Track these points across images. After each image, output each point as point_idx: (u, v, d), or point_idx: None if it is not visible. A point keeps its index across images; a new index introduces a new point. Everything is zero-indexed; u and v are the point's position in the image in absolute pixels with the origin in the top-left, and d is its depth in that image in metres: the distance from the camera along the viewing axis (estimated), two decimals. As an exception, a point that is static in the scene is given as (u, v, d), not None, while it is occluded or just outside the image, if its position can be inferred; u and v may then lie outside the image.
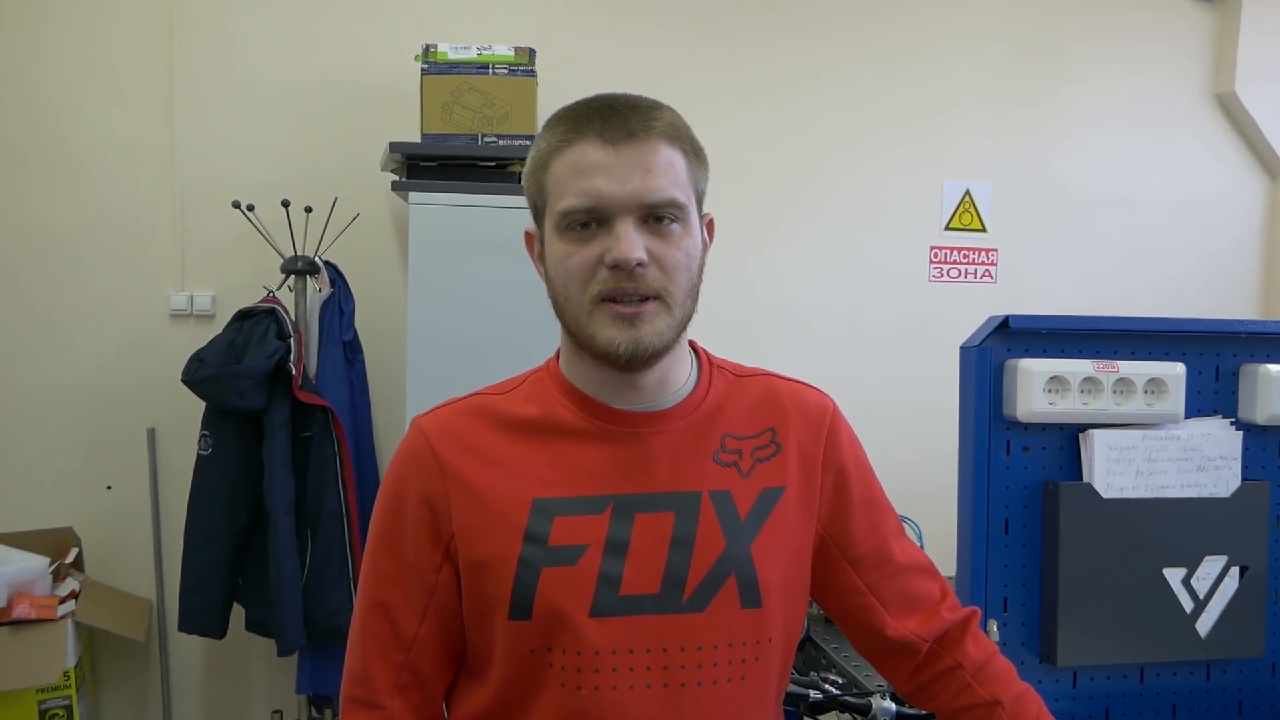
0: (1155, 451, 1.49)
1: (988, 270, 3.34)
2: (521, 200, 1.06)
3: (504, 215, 2.53)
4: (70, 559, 2.76)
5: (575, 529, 1.00)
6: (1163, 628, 1.48)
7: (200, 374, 2.52)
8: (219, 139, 2.93)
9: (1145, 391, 1.48)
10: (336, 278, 2.77)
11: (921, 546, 1.87)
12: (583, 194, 0.96)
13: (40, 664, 2.46)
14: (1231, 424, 1.54)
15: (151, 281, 2.93)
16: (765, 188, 3.20)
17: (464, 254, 2.56)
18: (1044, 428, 1.48)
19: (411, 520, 1.03)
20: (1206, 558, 1.50)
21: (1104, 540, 1.47)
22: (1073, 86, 3.35)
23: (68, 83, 2.88)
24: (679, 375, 1.07)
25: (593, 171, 0.96)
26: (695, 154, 1.02)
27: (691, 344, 1.11)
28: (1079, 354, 1.49)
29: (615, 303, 0.97)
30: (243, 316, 2.64)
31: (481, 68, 2.67)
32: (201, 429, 2.63)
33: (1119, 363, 1.48)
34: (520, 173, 1.05)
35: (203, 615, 2.62)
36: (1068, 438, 1.49)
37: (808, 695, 1.60)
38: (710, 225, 1.08)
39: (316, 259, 2.73)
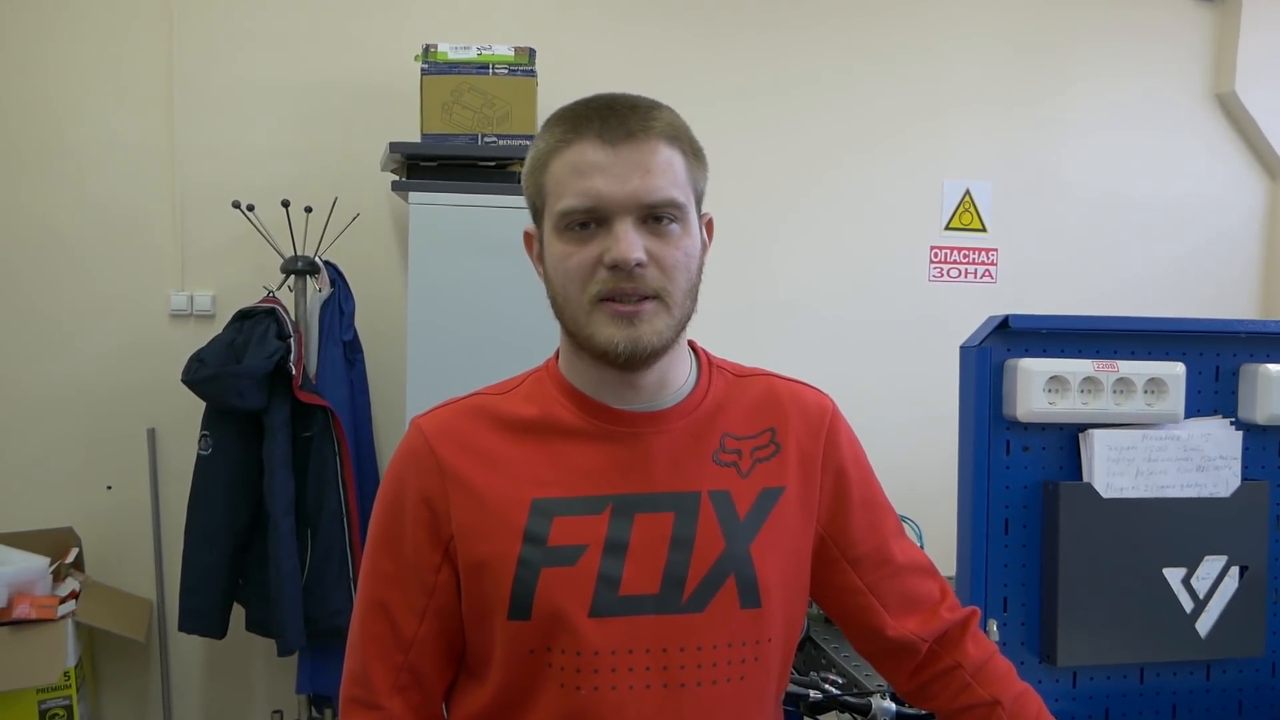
0: (1155, 451, 1.49)
1: (988, 270, 3.34)
2: (521, 200, 1.06)
3: (504, 215, 2.53)
4: (70, 559, 2.77)
5: (574, 529, 1.00)
6: (1163, 628, 1.48)
7: (200, 374, 2.52)
8: (219, 139, 2.93)
9: (1145, 391, 1.48)
10: (336, 278, 2.77)
11: (921, 546, 1.87)
12: (582, 194, 0.96)
13: (40, 664, 2.46)
14: (1231, 424, 1.54)
15: (151, 281, 2.93)
16: (765, 188, 3.20)
17: (464, 254, 2.56)
18: (1044, 428, 1.48)
19: (411, 520, 1.03)
20: (1206, 558, 1.49)
21: (1104, 540, 1.47)
22: (1073, 86, 3.35)
23: (68, 83, 2.88)
24: (678, 375, 1.07)
25: (592, 172, 0.96)
26: (694, 154, 1.02)
27: (691, 344, 1.11)
28: (1079, 354, 1.49)
29: (614, 302, 0.97)
30: (243, 316, 2.64)
31: (481, 68, 2.67)
32: (201, 429, 2.63)
33: (1119, 362, 1.48)
34: (520, 173, 1.05)
35: (203, 615, 2.62)
36: (1068, 438, 1.49)
37: (808, 695, 1.60)
38: (710, 225, 1.08)
39: (316, 259, 2.73)
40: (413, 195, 2.59)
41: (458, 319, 2.56)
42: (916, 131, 3.27)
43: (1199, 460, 1.50)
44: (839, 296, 3.25)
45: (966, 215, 3.32)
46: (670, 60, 3.12)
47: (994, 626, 1.47)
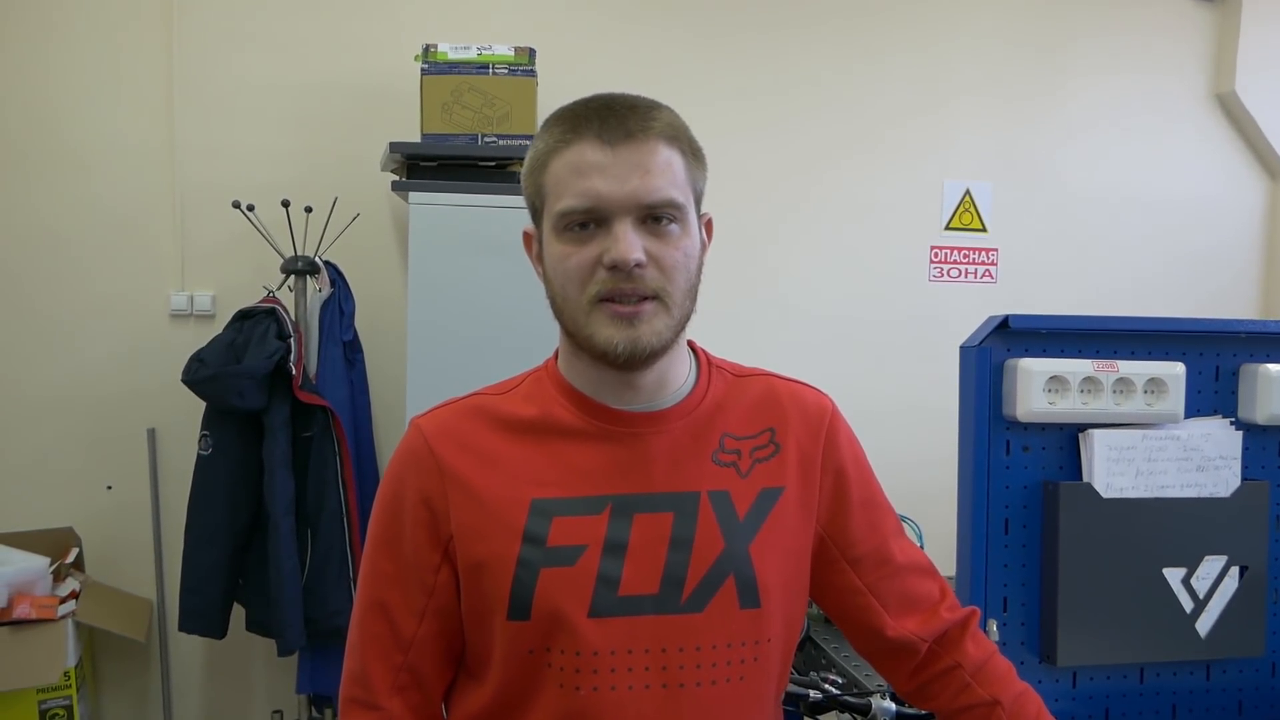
0: (1155, 451, 1.49)
1: (988, 270, 3.34)
2: (521, 200, 1.06)
3: (504, 215, 2.53)
4: (70, 559, 2.77)
5: (574, 529, 1.00)
6: (1163, 628, 1.48)
7: (200, 374, 2.52)
8: (219, 139, 2.93)
9: (1145, 391, 1.48)
10: (336, 278, 2.77)
11: (921, 546, 1.87)
12: (581, 195, 0.96)
13: (41, 664, 2.46)
14: (1231, 424, 1.53)
15: (151, 281, 2.93)
16: (765, 188, 3.20)
17: (464, 254, 2.56)
18: (1044, 428, 1.48)
19: (410, 520, 1.03)
20: (1206, 558, 1.49)
21: (1104, 540, 1.47)
22: (1073, 86, 3.35)
23: (68, 83, 2.88)
24: (677, 375, 1.07)
25: (591, 172, 0.96)
26: (693, 154, 1.02)
27: (690, 344, 1.11)
28: (1079, 354, 1.49)
29: (614, 302, 0.97)
30: (243, 316, 2.64)
31: (481, 68, 2.67)
32: (202, 429, 2.63)
33: (1119, 362, 1.48)
34: (520, 173, 1.05)
35: (203, 615, 2.62)
36: (1067, 438, 1.49)
37: (808, 695, 1.60)
38: (709, 225, 1.07)
39: (316, 259, 2.74)
40: (413, 195, 2.59)
41: (458, 319, 2.56)
42: (916, 131, 3.27)
43: (1199, 460, 1.50)
44: (839, 296, 3.25)
45: (966, 215, 3.32)
46: (670, 60, 3.12)
47: (994, 626, 1.47)
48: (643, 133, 0.97)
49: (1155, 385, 1.48)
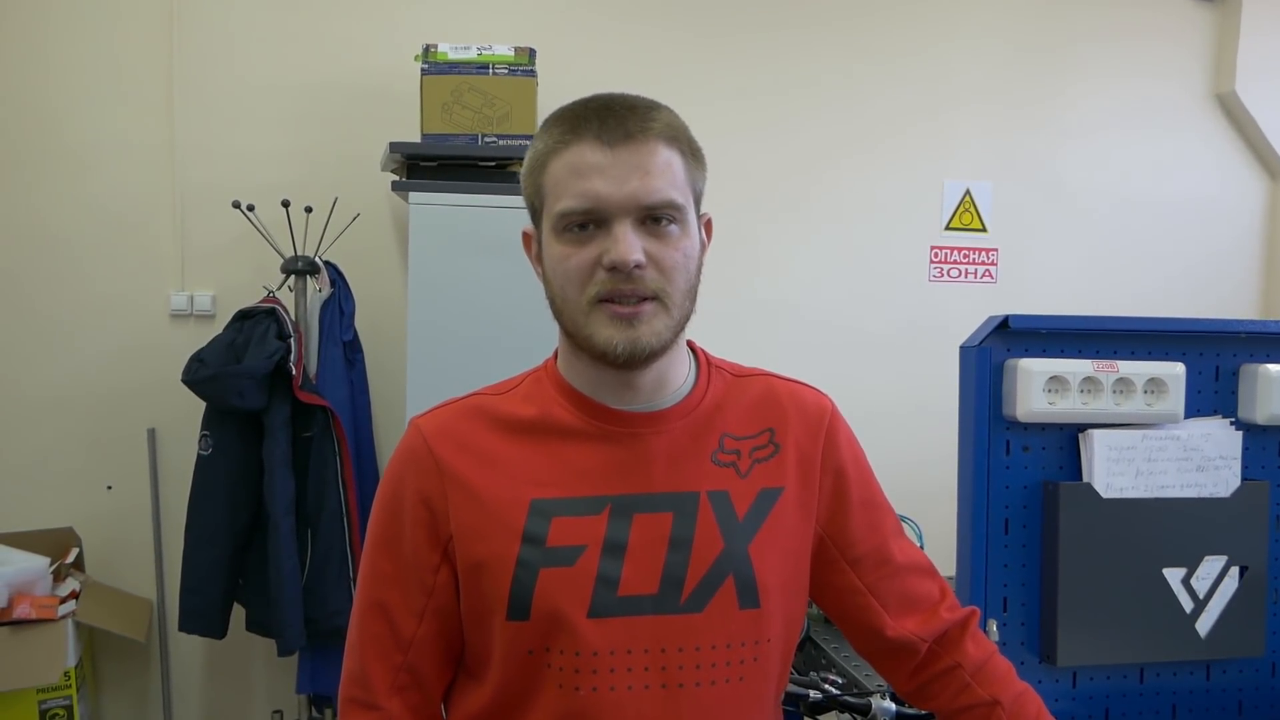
0: (1155, 451, 1.49)
1: (988, 270, 3.34)
2: (521, 200, 1.06)
3: (504, 215, 2.53)
4: (71, 559, 2.77)
5: (573, 530, 1.00)
6: (1163, 628, 1.48)
7: (200, 374, 2.52)
8: (219, 139, 2.93)
9: (1145, 391, 1.48)
10: (336, 278, 2.77)
11: (921, 546, 1.87)
12: (580, 196, 0.96)
13: (41, 664, 2.46)
14: (1231, 424, 1.53)
15: (151, 281, 2.93)
16: (765, 188, 3.20)
17: (464, 254, 2.56)
18: (1044, 428, 1.48)
19: (409, 520, 1.03)
20: (1206, 558, 1.49)
21: (1104, 540, 1.46)
22: (1073, 86, 3.35)
23: (68, 82, 2.88)
24: (677, 375, 1.07)
25: (590, 173, 0.96)
26: (693, 154, 1.02)
27: (690, 344, 1.11)
28: (1079, 354, 1.49)
29: (613, 303, 0.96)
30: (243, 316, 2.64)
31: (481, 68, 2.67)
32: (202, 429, 2.63)
33: (1119, 363, 1.48)
34: (520, 173, 1.05)
35: (203, 615, 2.62)
36: (1067, 438, 1.49)
37: (808, 695, 1.60)
38: (709, 225, 1.07)
39: (317, 259, 2.74)
40: (413, 195, 2.59)
41: (458, 319, 2.56)
42: (916, 132, 3.27)
43: (1199, 460, 1.50)
44: (839, 296, 3.25)
45: (967, 215, 3.32)
46: (670, 60, 3.12)
47: (994, 626, 1.47)
48: (642, 133, 0.97)
49: (1155, 385, 1.48)
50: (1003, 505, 1.48)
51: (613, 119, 0.97)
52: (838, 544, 1.11)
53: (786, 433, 1.08)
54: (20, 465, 2.89)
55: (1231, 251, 3.49)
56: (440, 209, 2.58)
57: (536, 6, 3.07)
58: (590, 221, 0.97)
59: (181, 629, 2.63)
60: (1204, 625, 1.49)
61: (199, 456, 2.63)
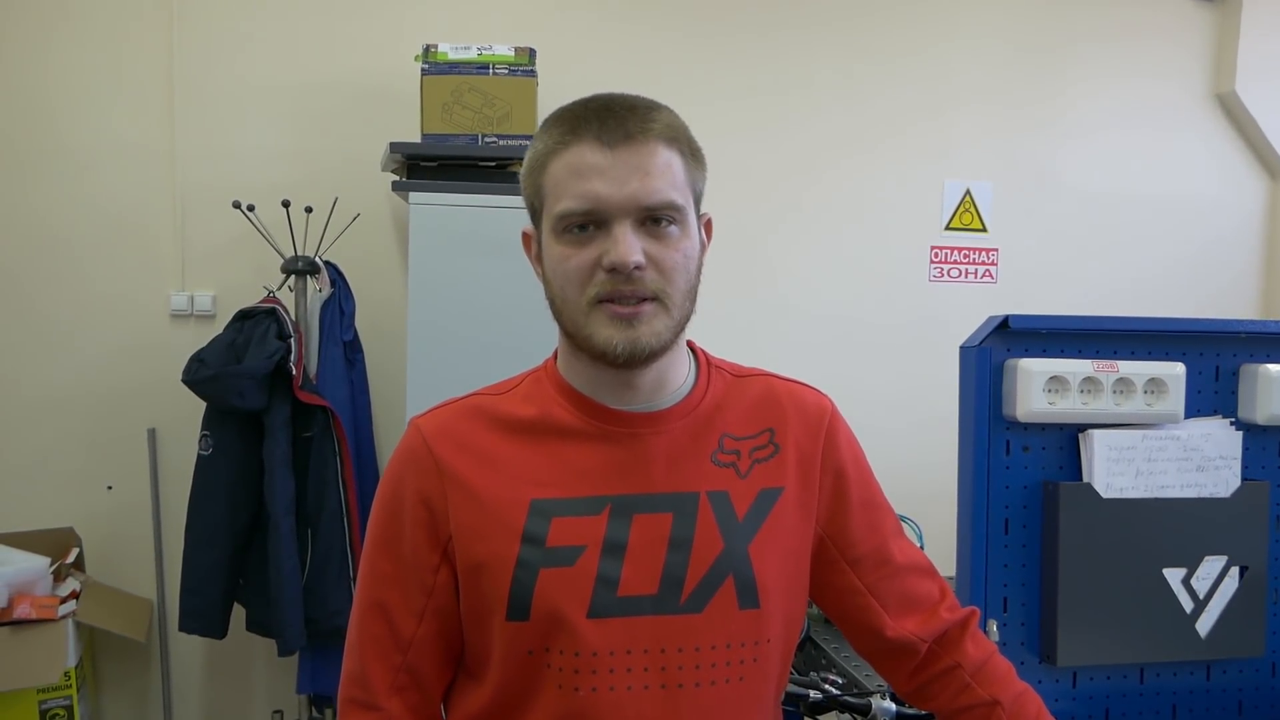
0: (1155, 451, 1.49)
1: (988, 270, 3.34)
2: (521, 200, 1.06)
3: (504, 215, 2.53)
4: (71, 559, 2.77)
5: (573, 530, 1.00)
6: (1163, 628, 1.48)
7: (201, 374, 2.52)
8: (219, 139, 2.93)
9: (1145, 391, 1.48)
10: (337, 278, 2.77)
11: (921, 547, 1.88)
12: (580, 197, 0.96)
13: (41, 664, 2.46)
14: (1231, 424, 1.53)
15: (151, 281, 2.93)
16: (765, 188, 3.20)
17: (464, 254, 2.56)
18: (1044, 428, 1.48)
19: (409, 521, 1.03)
20: (1206, 558, 1.49)
21: (1104, 540, 1.46)
22: (1073, 86, 3.35)
23: (68, 83, 2.88)
24: (677, 375, 1.07)
25: (590, 174, 0.96)
26: (693, 155, 1.02)
27: (690, 344, 1.11)
28: (1079, 354, 1.49)
29: (613, 303, 0.96)
30: (243, 316, 2.64)
31: (482, 68, 2.67)
32: (202, 429, 2.63)
33: (1119, 363, 1.48)
34: (520, 173, 1.05)
35: (203, 615, 2.62)
36: (1067, 438, 1.49)
37: (808, 695, 1.60)
38: (709, 225, 1.07)
39: (317, 259, 2.74)
40: (413, 195, 2.59)
41: (458, 319, 2.56)
42: (916, 132, 3.27)
43: (1199, 460, 1.50)
44: (839, 296, 3.25)
45: (967, 215, 3.32)
46: (670, 60, 3.12)
47: (994, 626, 1.47)
48: (642, 134, 0.97)
49: (1155, 385, 1.48)
50: (1003, 505, 1.48)
51: (613, 119, 0.97)
52: (838, 544, 1.11)
53: (786, 433, 1.08)
54: (20, 465, 2.89)
55: (1231, 251, 3.49)
56: (440, 209, 2.58)
57: (536, 6, 3.07)
58: (590, 222, 0.97)
59: (182, 629, 2.63)
60: (1204, 625, 1.49)
61: (199, 456, 2.63)
